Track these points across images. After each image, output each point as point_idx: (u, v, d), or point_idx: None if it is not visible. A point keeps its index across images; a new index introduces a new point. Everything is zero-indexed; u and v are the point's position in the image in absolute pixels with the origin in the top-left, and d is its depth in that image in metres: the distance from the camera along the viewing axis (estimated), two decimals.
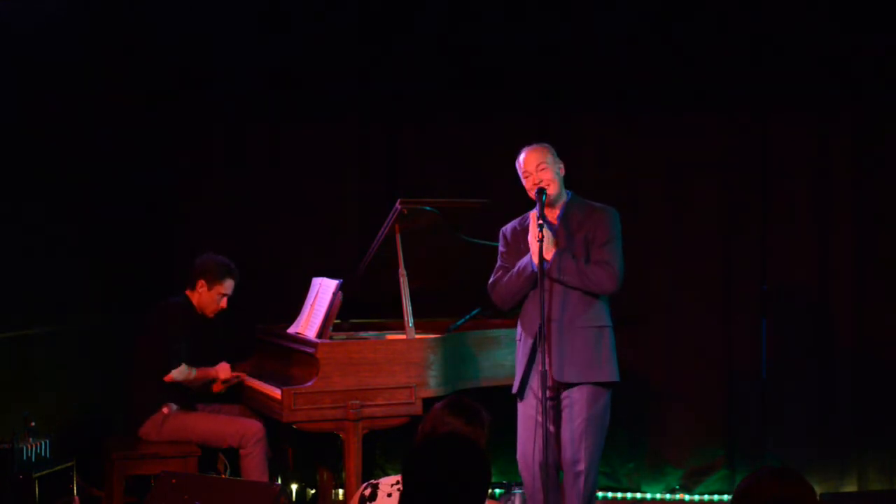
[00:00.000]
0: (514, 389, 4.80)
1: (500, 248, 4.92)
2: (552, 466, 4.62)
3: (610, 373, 4.71)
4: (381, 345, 5.24)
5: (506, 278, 4.81)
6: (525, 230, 4.81)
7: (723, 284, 6.15)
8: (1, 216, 5.33)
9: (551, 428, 4.62)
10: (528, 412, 4.75)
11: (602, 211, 4.78)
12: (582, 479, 4.65)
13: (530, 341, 4.73)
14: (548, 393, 4.57)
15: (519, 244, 4.81)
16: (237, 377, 5.67)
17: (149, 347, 5.45)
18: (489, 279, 4.89)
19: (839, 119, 6.03)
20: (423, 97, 6.33)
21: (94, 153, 5.90)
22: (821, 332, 6.06)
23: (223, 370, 5.58)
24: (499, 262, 4.91)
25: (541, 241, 4.52)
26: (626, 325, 6.00)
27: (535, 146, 4.76)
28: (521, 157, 4.75)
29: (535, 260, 4.58)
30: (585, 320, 4.69)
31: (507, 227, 4.93)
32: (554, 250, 4.62)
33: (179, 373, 5.42)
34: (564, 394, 4.69)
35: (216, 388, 5.64)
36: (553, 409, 4.66)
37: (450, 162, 6.37)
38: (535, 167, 4.68)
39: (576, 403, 4.66)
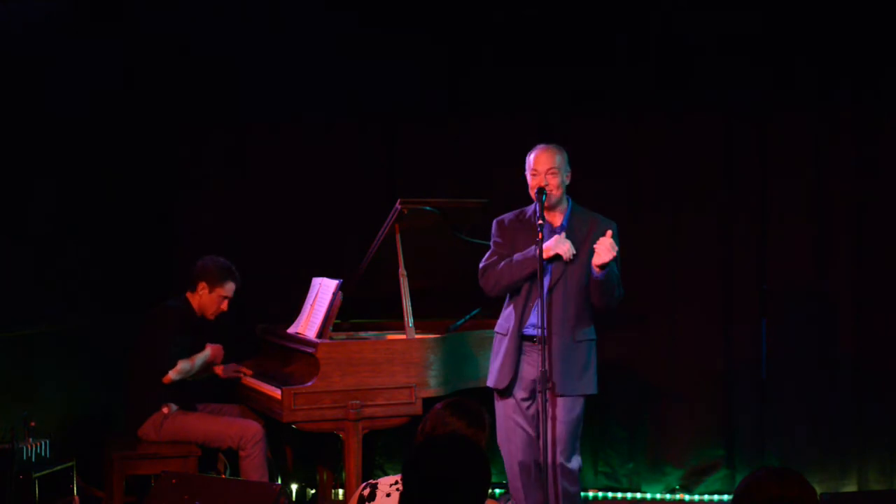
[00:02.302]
0: (496, 384, 4.82)
1: (495, 237, 4.91)
2: (534, 466, 4.71)
3: (594, 386, 4.85)
4: (381, 345, 5.24)
5: (502, 265, 4.79)
6: (523, 223, 4.81)
7: (723, 284, 6.15)
8: (2, 217, 5.33)
9: (530, 430, 4.71)
10: (506, 412, 4.83)
11: (607, 225, 4.79)
12: (572, 476, 4.74)
13: (516, 342, 4.76)
14: (524, 395, 4.75)
15: (515, 235, 4.80)
16: (238, 371, 5.69)
17: (146, 349, 5.45)
18: (481, 267, 4.89)
19: (838, 119, 6.03)
20: (423, 97, 6.32)
21: (94, 154, 5.90)
22: (821, 332, 6.05)
23: (213, 350, 5.58)
24: (492, 249, 4.91)
25: (540, 241, 4.55)
26: (627, 325, 6.01)
27: (550, 147, 4.77)
28: (534, 154, 4.76)
29: (547, 254, 4.62)
30: (583, 334, 4.79)
31: (504, 217, 4.94)
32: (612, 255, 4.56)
33: (177, 372, 5.42)
34: (550, 396, 4.71)
35: (221, 371, 5.69)
36: (530, 411, 4.75)
37: (450, 162, 6.37)
38: (546, 169, 4.69)
39: (561, 407, 4.73)
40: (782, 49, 6.01)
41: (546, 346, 4.58)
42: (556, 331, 4.71)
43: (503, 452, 4.87)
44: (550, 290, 4.68)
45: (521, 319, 4.78)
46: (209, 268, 5.56)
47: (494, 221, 4.95)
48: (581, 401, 4.80)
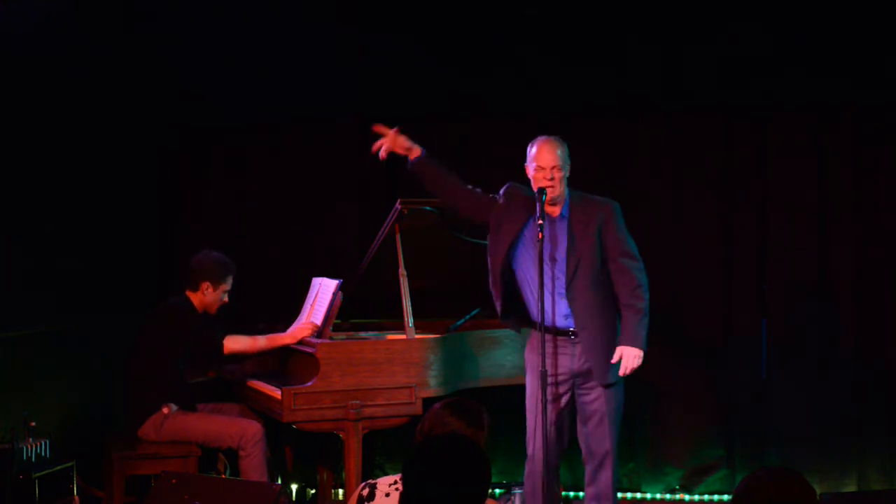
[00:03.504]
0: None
1: (500, 194, 4.85)
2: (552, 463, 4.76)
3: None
4: (381, 345, 5.24)
5: (451, 187, 4.85)
6: (528, 200, 4.75)
7: (723, 284, 6.15)
8: (2, 217, 5.34)
9: (554, 419, 4.73)
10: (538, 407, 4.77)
11: (607, 204, 4.82)
12: (612, 464, 4.81)
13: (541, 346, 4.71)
14: (558, 389, 4.75)
15: (519, 206, 4.76)
16: (239, 373, 5.70)
17: (150, 348, 5.43)
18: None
19: (839, 119, 6.03)
20: (422, 97, 6.32)
21: (95, 153, 5.90)
22: (821, 332, 6.05)
23: (305, 329, 5.46)
24: (480, 190, 4.88)
25: (541, 240, 4.56)
26: None
27: (552, 140, 4.73)
28: (535, 147, 4.72)
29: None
30: (611, 320, 4.82)
31: (521, 188, 4.85)
32: (634, 351, 4.71)
33: (231, 342, 5.42)
34: (592, 387, 4.79)
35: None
36: (573, 403, 4.82)
37: (450, 162, 6.35)
38: (551, 166, 4.66)
39: (608, 396, 4.78)
40: (782, 48, 6.00)
41: (582, 344, 4.72)
42: (587, 324, 4.75)
43: (529, 447, 4.82)
44: (569, 284, 4.71)
45: (550, 313, 4.74)
46: (210, 266, 5.53)
47: (509, 183, 4.88)
48: (622, 384, 4.84)
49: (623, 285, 4.77)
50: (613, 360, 4.71)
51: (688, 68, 6.10)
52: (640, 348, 4.72)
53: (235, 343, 5.44)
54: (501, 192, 4.88)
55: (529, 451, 4.80)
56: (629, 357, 4.69)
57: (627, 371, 4.70)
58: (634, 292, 4.76)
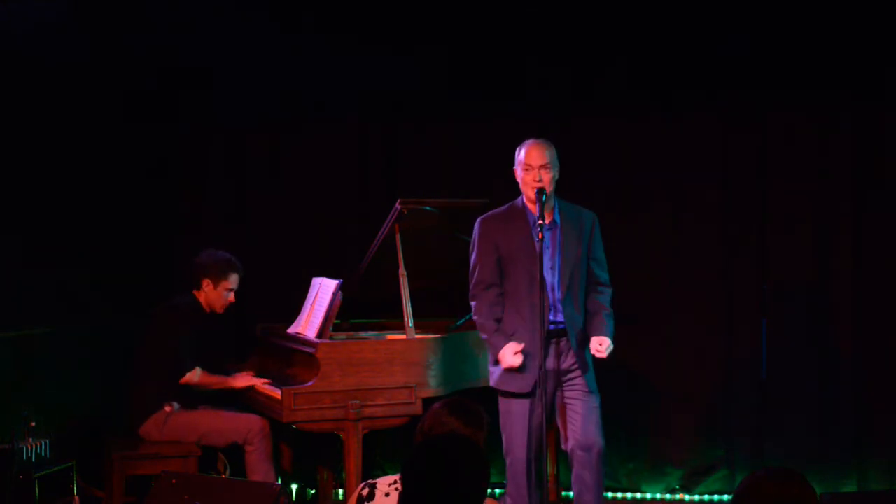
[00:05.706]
0: (521, 388, 4.75)
1: (477, 240, 4.83)
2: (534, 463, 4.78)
3: None
4: (381, 345, 5.24)
5: (488, 337, 4.79)
6: (510, 218, 4.76)
7: (723, 284, 6.14)
8: (1, 216, 5.34)
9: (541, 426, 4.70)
10: (522, 410, 4.78)
11: (591, 216, 4.89)
12: (602, 458, 4.85)
13: (524, 345, 4.72)
14: (547, 389, 4.69)
15: (506, 234, 4.75)
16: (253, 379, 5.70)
17: (154, 347, 5.44)
18: (471, 285, 4.86)
19: (839, 119, 6.02)
20: (423, 97, 6.32)
21: (95, 154, 5.90)
22: (821, 332, 6.05)
23: (241, 380, 5.57)
24: (475, 256, 4.83)
25: (540, 241, 4.57)
26: (627, 325, 6.00)
27: (540, 141, 4.75)
28: (524, 149, 4.73)
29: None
30: (584, 327, 4.85)
31: (489, 216, 4.85)
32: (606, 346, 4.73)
33: (195, 375, 5.43)
34: (577, 385, 4.80)
35: (237, 383, 5.67)
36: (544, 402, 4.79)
37: (450, 162, 6.37)
38: (539, 165, 4.67)
39: (591, 395, 4.81)
40: (782, 49, 6.00)
41: (566, 339, 4.76)
42: (575, 325, 4.78)
43: (510, 454, 4.81)
44: (566, 291, 4.74)
45: (529, 325, 4.72)
46: (209, 264, 5.56)
47: (478, 220, 4.87)
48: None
49: (601, 292, 4.89)
50: (597, 348, 4.70)
51: (688, 68, 6.09)
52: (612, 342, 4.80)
53: (199, 378, 5.45)
54: (476, 234, 4.85)
55: (518, 455, 4.78)
56: (608, 346, 4.73)
57: (605, 355, 4.72)
58: (606, 298, 4.89)
